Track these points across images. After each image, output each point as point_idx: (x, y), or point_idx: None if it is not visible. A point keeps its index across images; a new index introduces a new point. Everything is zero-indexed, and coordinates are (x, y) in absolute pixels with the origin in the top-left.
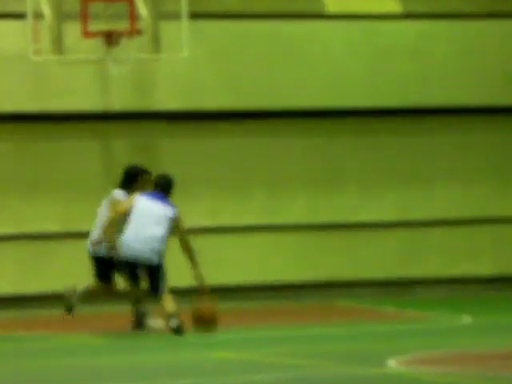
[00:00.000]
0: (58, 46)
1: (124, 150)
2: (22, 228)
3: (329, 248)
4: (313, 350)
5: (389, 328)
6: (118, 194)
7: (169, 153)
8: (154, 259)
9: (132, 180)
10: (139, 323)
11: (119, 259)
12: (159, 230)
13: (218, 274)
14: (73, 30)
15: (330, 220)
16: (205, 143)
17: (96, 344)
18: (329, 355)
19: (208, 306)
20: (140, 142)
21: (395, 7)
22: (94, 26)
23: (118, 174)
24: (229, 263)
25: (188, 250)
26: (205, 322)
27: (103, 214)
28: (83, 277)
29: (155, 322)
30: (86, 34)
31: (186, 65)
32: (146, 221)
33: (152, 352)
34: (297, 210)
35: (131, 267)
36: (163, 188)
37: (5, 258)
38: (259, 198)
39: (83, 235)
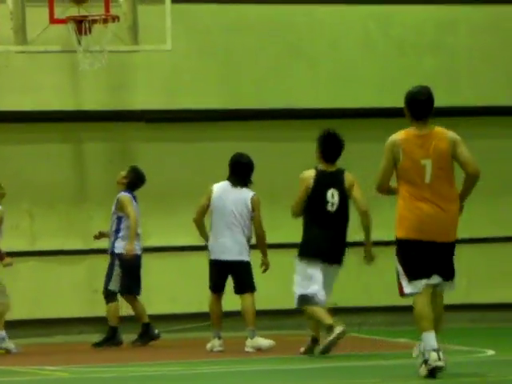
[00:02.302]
0: (21, 34)
1: (98, 154)
2: None
3: None
4: None
5: (399, 362)
6: None
7: (148, 158)
8: None
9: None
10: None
11: None
12: None
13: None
14: (38, 16)
15: None
16: (190, 148)
17: None
18: None
19: None
20: (116, 145)
21: None
22: (62, 12)
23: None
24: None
25: None
26: None
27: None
28: (44, 301)
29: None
30: (54, 20)
31: (168, 58)
32: None
33: None
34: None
35: None
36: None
37: None
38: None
39: (49, 253)
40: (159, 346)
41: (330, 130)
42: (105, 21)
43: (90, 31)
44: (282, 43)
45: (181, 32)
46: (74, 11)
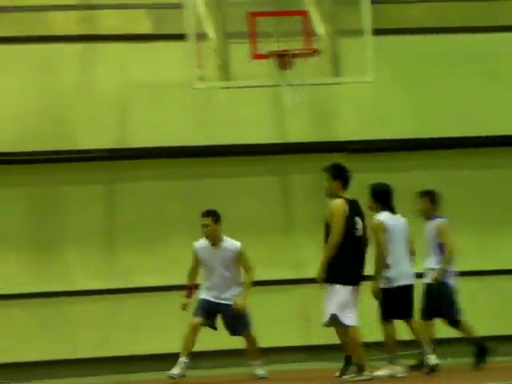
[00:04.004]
0: (224, 70)
1: (304, 185)
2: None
3: None
4: None
5: None
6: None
7: (352, 188)
8: None
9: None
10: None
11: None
12: None
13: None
14: (240, 52)
15: None
16: (392, 177)
17: None
18: None
19: None
20: (320, 177)
21: None
22: (264, 47)
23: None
24: None
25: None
26: None
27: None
28: (259, 330)
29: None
30: (256, 56)
31: (369, 90)
32: None
33: None
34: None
35: None
36: None
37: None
38: (465, 238)
39: (261, 283)
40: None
41: (339, 163)
42: (306, 54)
43: (291, 65)
44: (482, 71)
45: (381, 63)
46: (276, 46)
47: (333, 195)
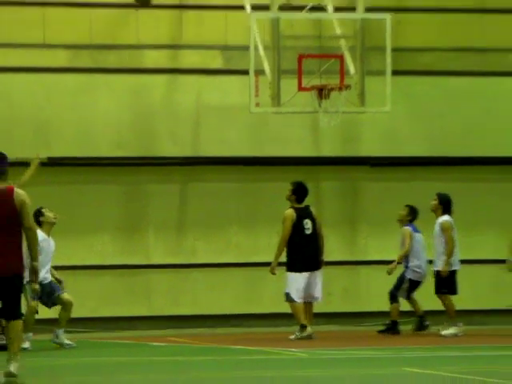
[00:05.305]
0: (276, 99)
1: (332, 191)
2: (241, 258)
3: None
4: None
5: None
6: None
7: (371, 195)
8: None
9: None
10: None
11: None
12: None
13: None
14: (289, 85)
15: None
16: (405, 187)
17: None
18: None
19: None
20: (346, 184)
21: None
22: (308, 82)
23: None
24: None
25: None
26: None
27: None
28: None
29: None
30: (301, 88)
31: (387, 118)
32: None
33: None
34: None
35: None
36: None
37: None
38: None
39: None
40: None
41: (302, 182)
42: (340, 89)
43: (328, 96)
44: (480, 109)
45: (398, 98)
46: (317, 81)
47: (290, 202)
